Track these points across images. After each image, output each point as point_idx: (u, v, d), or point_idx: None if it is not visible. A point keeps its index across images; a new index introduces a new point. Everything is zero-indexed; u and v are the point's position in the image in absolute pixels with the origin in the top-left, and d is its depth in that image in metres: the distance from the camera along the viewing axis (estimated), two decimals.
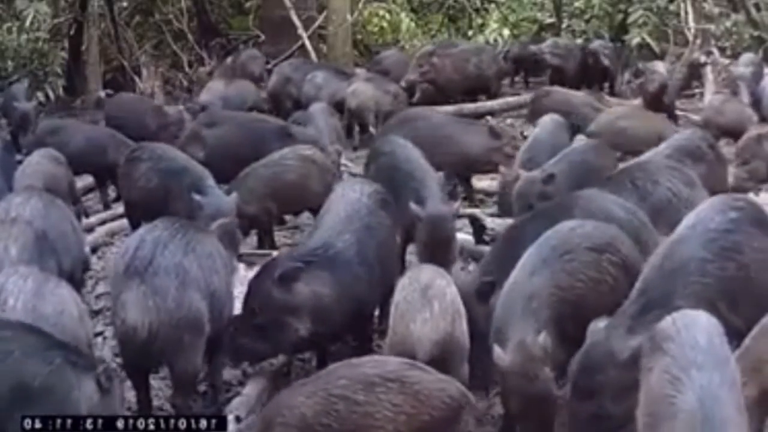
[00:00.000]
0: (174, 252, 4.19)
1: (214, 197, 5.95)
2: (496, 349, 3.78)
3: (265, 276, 4.56)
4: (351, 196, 4.97)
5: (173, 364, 4.16)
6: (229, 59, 11.96)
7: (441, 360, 3.94)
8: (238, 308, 5.43)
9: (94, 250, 6.81)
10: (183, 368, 4.16)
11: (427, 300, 4.04)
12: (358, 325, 4.82)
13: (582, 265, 4.03)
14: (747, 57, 9.60)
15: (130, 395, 4.33)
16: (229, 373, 5.00)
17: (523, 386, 3.70)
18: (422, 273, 4.30)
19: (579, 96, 9.08)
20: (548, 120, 7.32)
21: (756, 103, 8.44)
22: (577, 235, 4.12)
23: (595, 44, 11.26)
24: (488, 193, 7.51)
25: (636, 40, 11.18)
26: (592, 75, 11.15)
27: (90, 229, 7.23)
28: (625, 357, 3.50)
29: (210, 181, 6.18)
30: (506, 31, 14.22)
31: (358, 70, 11.65)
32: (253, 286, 4.57)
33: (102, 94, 12.39)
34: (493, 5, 14.92)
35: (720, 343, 3.12)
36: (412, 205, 5.14)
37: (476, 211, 6.71)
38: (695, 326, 3.17)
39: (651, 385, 3.13)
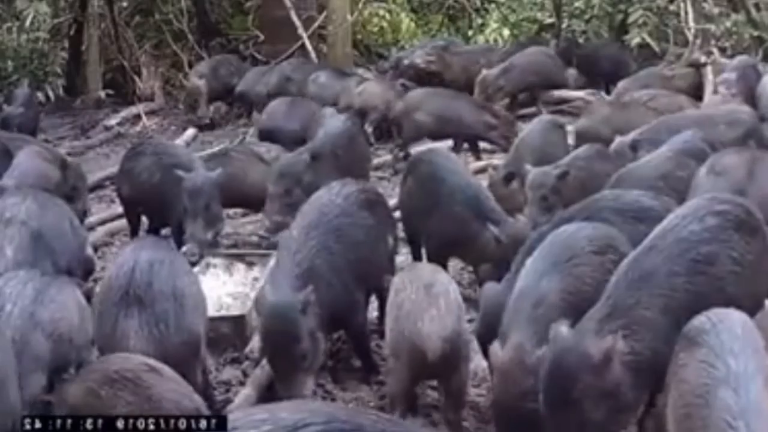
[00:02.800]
0: (168, 274, 4.07)
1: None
2: (494, 345, 3.79)
3: None
4: (324, 198, 4.89)
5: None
6: (206, 65, 11.77)
7: (449, 356, 4.00)
8: (239, 308, 5.45)
9: (94, 250, 6.80)
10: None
11: (433, 298, 4.07)
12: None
13: (588, 269, 4.00)
14: (738, 59, 9.59)
15: None
16: (229, 373, 5.01)
17: (505, 388, 3.69)
18: (422, 271, 4.38)
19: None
20: (538, 121, 7.33)
21: (754, 102, 8.45)
22: (579, 239, 4.10)
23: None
24: None
25: (636, 40, 11.16)
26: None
27: (90, 229, 7.24)
28: (600, 359, 3.44)
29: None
30: (506, 31, 14.22)
31: (360, 70, 11.69)
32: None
33: (102, 94, 12.39)
34: (493, 5, 14.90)
35: (754, 334, 3.17)
36: (491, 227, 5.14)
37: None
38: (729, 319, 3.23)
39: (686, 377, 3.13)
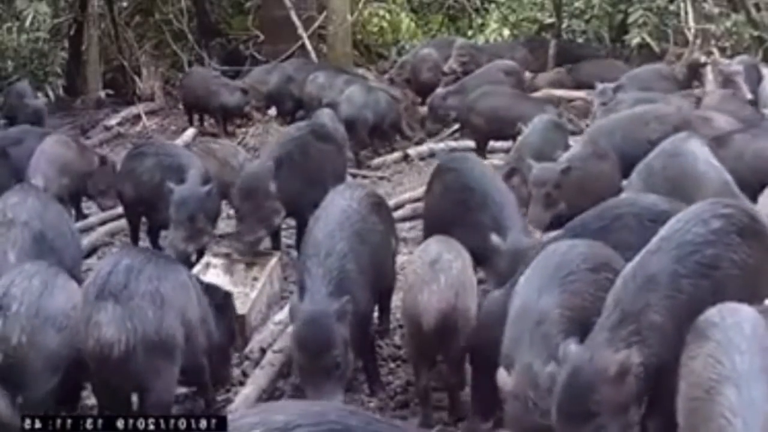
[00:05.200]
0: (149, 278, 4.03)
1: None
2: (501, 372, 3.73)
3: None
4: (340, 202, 4.86)
5: (149, 389, 4.00)
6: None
7: (445, 329, 4.24)
8: (239, 308, 5.44)
9: (94, 250, 6.81)
10: (159, 395, 4.01)
11: (435, 273, 4.35)
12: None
13: (584, 285, 3.95)
14: (741, 58, 9.59)
15: None
16: None
17: (522, 414, 3.63)
18: (432, 247, 4.60)
19: None
20: (538, 120, 7.35)
21: (754, 103, 8.45)
22: (574, 256, 4.03)
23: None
24: None
25: (636, 40, 11.17)
26: None
27: (90, 229, 7.25)
28: (615, 372, 3.43)
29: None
30: (506, 31, 14.24)
31: (360, 70, 11.71)
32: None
33: (102, 94, 12.40)
34: (493, 5, 14.92)
35: (763, 332, 3.18)
36: (493, 237, 4.92)
37: None
38: (739, 314, 3.26)
39: (695, 370, 3.17)
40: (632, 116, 7.04)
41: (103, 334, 3.85)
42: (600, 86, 8.89)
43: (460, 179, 5.49)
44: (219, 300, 4.67)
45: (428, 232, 5.42)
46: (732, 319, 3.24)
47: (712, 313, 3.32)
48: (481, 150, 8.78)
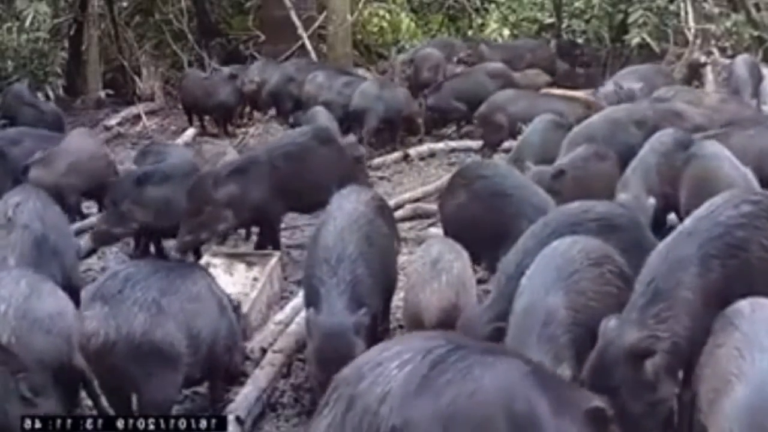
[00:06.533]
0: (148, 288, 4.05)
1: None
2: None
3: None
4: (347, 205, 4.86)
5: (139, 390, 4.01)
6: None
7: (446, 328, 4.22)
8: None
9: (94, 250, 6.80)
10: (151, 398, 4.00)
11: (436, 272, 4.46)
12: None
13: (590, 283, 3.97)
14: (743, 57, 9.55)
15: None
16: None
17: None
18: (433, 247, 4.70)
19: None
20: (539, 120, 7.34)
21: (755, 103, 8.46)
22: (576, 253, 4.04)
23: None
24: None
25: (636, 40, 11.18)
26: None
27: (90, 229, 7.24)
28: (636, 350, 3.51)
29: None
30: (506, 31, 14.25)
31: (360, 70, 11.71)
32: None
33: (102, 94, 12.40)
34: (493, 5, 14.93)
35: None
36: None
37: None
38: None
39: (719, 360, 3.24)
40: (610, 119, 7.04)
41: (85, 327, 3.94)
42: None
43: (495, 185, 5.43)
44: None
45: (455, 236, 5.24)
46: (762, 313, 3.29)
47: (743, 304, 3.39)
48: (491, 150, 8.75)
